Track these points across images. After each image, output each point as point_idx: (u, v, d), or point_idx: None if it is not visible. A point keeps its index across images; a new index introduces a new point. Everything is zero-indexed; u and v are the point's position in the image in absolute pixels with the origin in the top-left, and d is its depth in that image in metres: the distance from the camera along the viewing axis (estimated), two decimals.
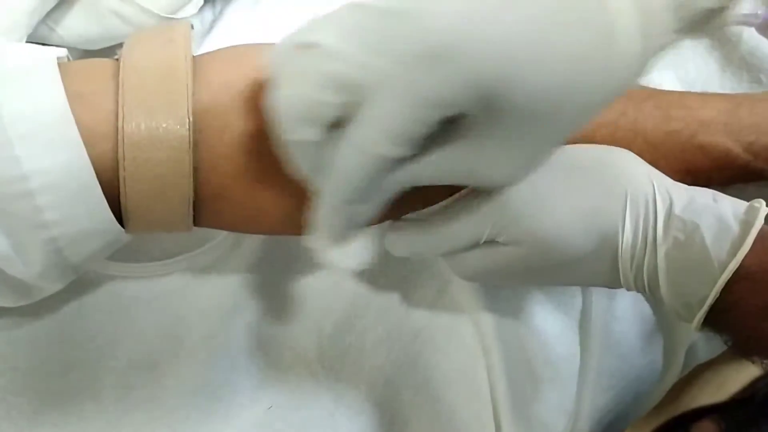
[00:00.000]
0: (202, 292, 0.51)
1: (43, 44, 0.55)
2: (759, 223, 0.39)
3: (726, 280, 0.39)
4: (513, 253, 0.41)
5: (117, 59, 0.41)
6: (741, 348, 0.42)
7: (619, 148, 0.43)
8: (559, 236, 0.41)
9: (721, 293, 0.39)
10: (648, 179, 0.41)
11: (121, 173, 0.38)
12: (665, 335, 0.54)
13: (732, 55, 0.57)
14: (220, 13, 0.63)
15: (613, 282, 0.42)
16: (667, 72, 0.57)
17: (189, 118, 0.38)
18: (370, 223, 0.40)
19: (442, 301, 0.52)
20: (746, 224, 0.40)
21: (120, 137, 0.38)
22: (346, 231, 0.39)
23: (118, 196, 0.39)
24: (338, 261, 0.40)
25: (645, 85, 0.47)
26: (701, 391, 0.54)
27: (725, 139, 0.45)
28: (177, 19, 0.55)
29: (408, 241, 0.44)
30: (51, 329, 0.49)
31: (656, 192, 0.41)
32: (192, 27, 0.43)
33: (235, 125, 0.40)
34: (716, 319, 0.40)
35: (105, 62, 0.41)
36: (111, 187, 0.38)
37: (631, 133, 0.44)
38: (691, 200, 0.41)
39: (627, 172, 0.41)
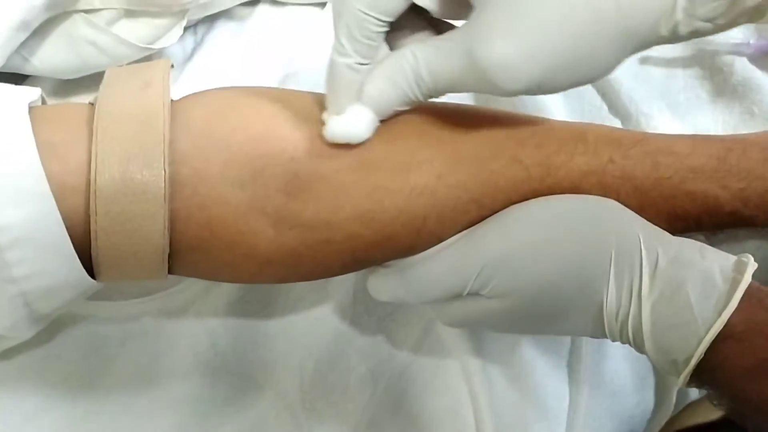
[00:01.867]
0: (179, 331, 0.50)
1: (18, 74, 0.54)
2: (746, 280, 0.38)
3: (711, 340, 0.38)
4: (497, 306, 0.41)
5: (92, 104, 0.39)
6: (727, 409, 0.40)
7: (605, 199, 0.42)
8: (544, 291, 0.40)
9: (706, 352, 0.38)
10: (634, 232, 0.40)
11: (93, 227, 0.37)
12: (656, 374, 0.53)
13: (724, 86, 0.56)
14: (202, 39, 0.62)
15: (598, 334, 0.41)
16: (657, 102, 0.56)
17: (165, 170, 0.37)
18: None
19: (427, 340, 0.51)
20: (733, 281, 0.39)
21: (92, 190, 0.36)
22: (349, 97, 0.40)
23: (90, 249, 0.37)
24: (345, 132, 0.40)
25: (632, 129, 0.47)
26: (695, 411, 0.53)
27: (714, 186, 0.44)
28: (155, 49, 0.54)
29: (389, 287, 0.43)
30: (22, 370, 0.48)
31: (642, 246, 0.40)
32: (172, 66, 0.42)
33: (214, 175, 0.38)
34: (702, 377, 0.39)
35: (79, 108, 0.40)
36: (83, 239, 0.37)
37: (619, 180, 0.43)
38: (677, 254, 0.40)
39: (613, 225, 0.40)
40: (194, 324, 0.50)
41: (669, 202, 0.43)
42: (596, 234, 0.40)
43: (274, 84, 0.59)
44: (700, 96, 0.56)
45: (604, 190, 0.43)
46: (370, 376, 0.51)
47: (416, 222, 0.41)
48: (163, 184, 0.37)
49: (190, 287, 0.50)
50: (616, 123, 0.56)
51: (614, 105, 0.56)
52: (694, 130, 0.55)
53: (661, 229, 0.42)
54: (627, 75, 0.57)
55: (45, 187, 0.36)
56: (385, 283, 0.43)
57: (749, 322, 0.38)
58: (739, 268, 0.39)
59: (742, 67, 0.55)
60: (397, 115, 0.41)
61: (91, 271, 0.38)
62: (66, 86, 0.57)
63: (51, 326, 0.48)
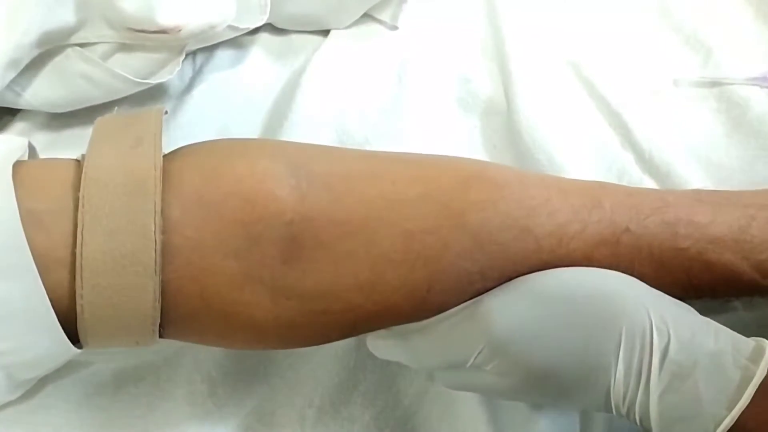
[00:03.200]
0: (175, 379, 0.48)
1: (9, 108, 0.52)
2: (761, 373, 0.36)
3: None
4: (499, 381, 0.39)
5: (79, 161, 0.38)
6: None
7: (616, 274, 0.40)
8: (548, 373, 0.38)
9: None
10: (646, 313, 0.38)
11: (79, 301, 0.35)
12: None
13: (740, 121, 0.54)
14: (200, 69, 0.60)
15: (606, 410, 0.39)
16: (671, 137, 0.54)
17: (156, 240, 0.35)
18: None
19: (434, 386, 0.49)
20: (747, 372, 0.37)
21: (78, 264, 0.35)
22: None
23: (76, 320, 0.36)
24: None
25: (651, 189, 0.44)
26: None
27: (734, 257, 0.42)
28: (151, 83, 0.52)
29: (389, 350, 0.42)
30: (12, 423, 0.46)
31: (654, 329, 0.38)
32: (166, 112, 0.40)
33: (208, 244, 0.37)
34: None
35: (65, 168, 0.38)
36: (69, 311, 0.36)
37: (634, 250, 0.41)
38: (690, 339, 0.38)
39: (623, 306, 0.38)
40: (191, 371, 0.48)
41: (685, 273, 0.42)
42: (604, 315, 0.38)
43: (276, 116, 0.57)
44: (716, 130, 0.54)
45: (617, 260, 0.41)
46: (374, 425, 0.49)
47: (419, 293, 0.39)
48: (153, 255, 0.35)
49: None
50: (629, 156, 0.54)
51: (629, 138, 0.55)
52: (708, 164, 0.53)
53: (676, 302, 0.40)
54: (638, 108, 0.55)
55: (28, 261, 0.34)
56: (384, 345, 0.42)
57: (761, 419, 0.36)
58: (755, 356, 0.37)
59: (759, 102, 0.54)
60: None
61: (76, 337, 0.37)
62: (59, 119, 0.55)
63: (43, 377, 0.46)
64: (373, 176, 0.40)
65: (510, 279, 0.40)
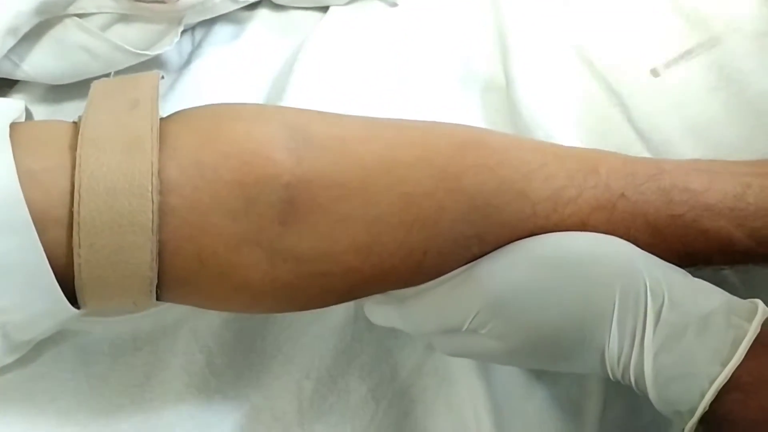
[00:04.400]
0: (173, 349, 0.48)
1: (7, 80, 0.52)
2: (754, 329, 0.37)
3: (714, 394, 0.36)
4: (495, 345, 0.39)
5: (76, 123, 0.37)
6: None
7: (611, 238, 0.40)
8: (543, 336, 0.39)
9: (711, 404, 0.36)
10: (641, 276, 0.38)
11: (77, 260, 0.35)
12: None
13: (739, 98, 0.54)
14: (199, 44, 0.60)
15: (602, 373, 0.40)
16: (671, 114, 0.54)
17: (153, 200, 0.35)
18: None
19: (431, 359, 0.49)
20: (740, 330, 0.37)
21: (75, 222, 0.35)
22: None
23: (73, 279, 0.36)
24: None
25: (648, 157, 0.44)
26: None
27: (729, 224, 0.42)
28: (150, 55, 0.52)
29: (386, 315, 0.42)
30: (7, 392, 0.46)
31: (648, 291, 0.38)
32: (162, 77, 0.40)
33: (205, 205, 0.36)
34: (709, 427, 0.37)
35: (62, 129, 0.37)
36: (66, 270, 0.35)
37: (629, 216, 0.41)
38: (684, 300, 0.38)
39: (618, 268, 0.39)
40: (189, 342, 0.48)
41: (680, 240, 0.42)
42: (599, 278, 0.38)
43: (275, 91, 0.57)
44: (715, 108, 0.54)
45: (612, 226, 0.41)
46: (371, 397, 0.49)
47: (416, 256, 0.39)
48: (151, 215, 0.35)
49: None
50: (629, 134, 0.54)
51: (628, 116, 0.55)
52: (707, 141, 0.53)
53: (671, 266, 0.40)
54: (638, 86, 0.55)
55: (26, 218, 0.34)
56: (381, 311, 0.42)
57: (756, 374, 0.36)
58: (749, 315, 0.37)
59: (758, 79, 0.54)
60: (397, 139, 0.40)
61: (73, 298, 0.36)
62: (57, 92, 0.55)
63: (39, 343, 0.46)
64: (370, 139, 0.39)
65: (506, 242, 0.40)
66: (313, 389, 0.49)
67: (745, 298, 0.49)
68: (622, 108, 0.55)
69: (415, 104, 0.58)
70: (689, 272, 0.41)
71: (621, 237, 0.41)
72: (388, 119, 0.42)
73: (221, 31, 0.61)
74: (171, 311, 0.48)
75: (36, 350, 0.46)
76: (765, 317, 0.37)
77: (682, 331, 0.37)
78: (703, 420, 0.37)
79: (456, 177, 0.39)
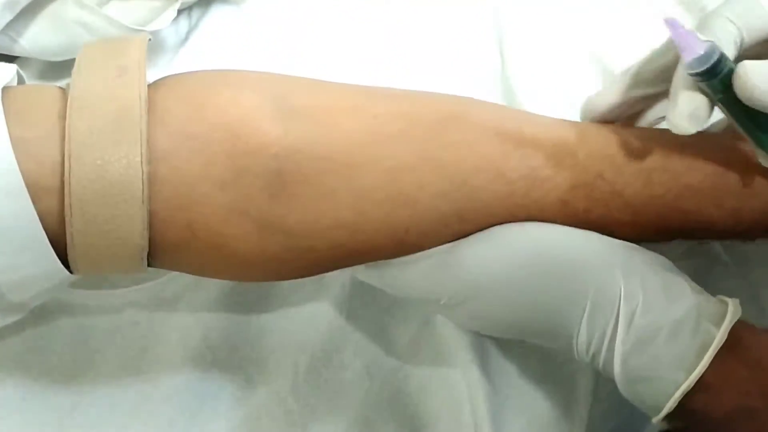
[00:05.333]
0: (170, 323, 0.48)
1: (5, 56, 0.52)
2: (719, 338, 0.38)
3: (679, 398, 0.37)
4: (471, 321, 0.42)
5: (64, 89, 0.38)
6: None
7: (591, 237, 0.41)
8: (513, 323, 0.41)
9: (679, 403, 0.37)
10: (616, 280, 0.39)
11: (69, 229, 0.35)
12: None
13: None
14: (197, 23, 0.60)
15: (569, 354, 0.42)
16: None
17: (143, 170, 0.35)
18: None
19: (425, 336, 0.50)
20: (707, 336, 0.38)
21: (67, 192, 0.35)
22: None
23: (66, 246, 0.36)
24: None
25: (633, 132, 0.45)
26: None
27: (709, 204, 0.42)
28: (147, 31, 0.52)
29: (369, 278, 0.43)
30: (5, 361, 0.46)
31: (623, 294, 0.39)
32: (150, 38, 0.40)
33: (195, 175, 0.37)
34: (677, 422, 0.39)
35: (52, 94, 0.38)
36: (59, 238, 0.36)
37: (609, 194, 0.41)
38: (657, 305, 0.38)
39: (595, 270, 0.39)
40: (186, 316, 0.48)
41: (660, 218, 0.42)
42: (571, 283, 0.39)
43: (272, 69, 0.57)
44: None
45: (592, 203, 0.41)
46: (366, 372, 0.49)
47: (398, 233, 0.40)
48: (141, 185, 0.35)
49: (182, 277, 0.48)
50: None
51: None
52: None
53: (649, 260, 0.40)
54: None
55: (20, 185, 0.34)
56: (366, 275, 0.43)
57: (721, 377, 0.37)
58: (718, 319, 0.38)
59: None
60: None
61: (67, 262, 0.37)
62: (55, 68, 0.55)
63: (36, 316, 0.47)
64: (355, 109, 0.40)
65: (486, 222, 0.41)
66: (308, 364, 0.49)
67: (737, 277, 0.50)
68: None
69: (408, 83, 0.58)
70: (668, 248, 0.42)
71: (602, 215, 0.41)
72: (374, 87, 0.42)
73: (219, 9, 0.61)
74: (168, 285, 0.49)
75: (33, 323, 0.47)
76: (734, 320, 0.38)
77: (653, 336, 0.38)
78: (670, 415, 0.38)
79: (436, 153, 0.40)
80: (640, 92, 0.43)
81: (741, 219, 0.42)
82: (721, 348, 0.37)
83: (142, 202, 0.36)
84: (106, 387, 0.47)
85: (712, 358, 0.37)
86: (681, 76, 0.39)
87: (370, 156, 0.39)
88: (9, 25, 0.50)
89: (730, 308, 0.39)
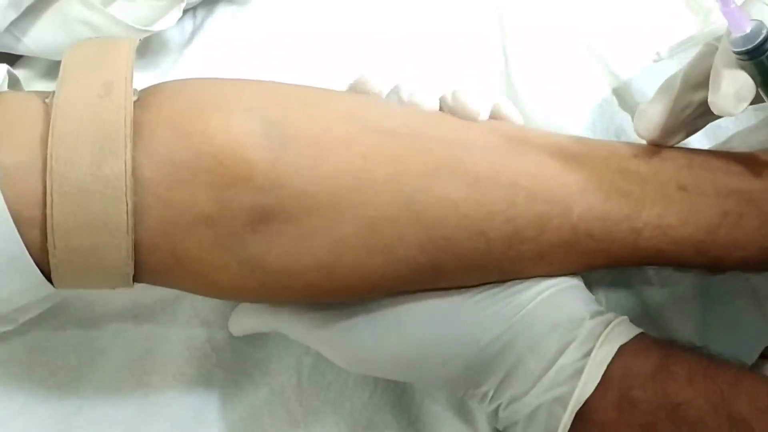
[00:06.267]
0: (173, 324, 0.48)
1: (9, 55, 0.52)
2: (565, 424, 0.39)
3: None
4: None
5: (48, 102, 0.37)
6: None
7: (476, 314, 0.41)
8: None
9: None
10: (483, 379, 0.41)
11: (52, 260, 0.35)
12: None
13: None
14: (201, 23, 0.60)
15: None
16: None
17: (127, 203, 0.35)
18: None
19: None
20: (555, 422, 0.39)
21: (49, 224, 0.35)
22: None
23: (49, 270, 0.36)
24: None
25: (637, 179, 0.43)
26: None
27: (691, 253, 0.42)
28: (152, 31, 0.52)
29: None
30: (8, 364, 0.46)
31: (491, 394, 0.41)
32: (138, 41, 0.40)
33: (180, 205, 0.36)
34: None
35: (34, 113, 0.37)
36: (42, 263, 0.36)
37: (592, 251, 0.41)
38: (517, 398, 0.40)
39: (461, 376, 0.41)
40: (190, 317, 0.48)
41: (636, 263, 0.42)
42: (444, 376, 0.42)
43: (276, 70, 0.57)
44: None
45: (571, 258, 0.41)
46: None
47: (374, 278, 0.39)
48: (125, 217, 0.35)
49: None
50: (627, 116, 0.54)
51: (627, 100, 0.55)
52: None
53: (555, 317, 0.41)
54: (637, 70, 0.55)
55: (3, 210, 0.34)
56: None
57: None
58: (565, 401, 0.39)
59: None
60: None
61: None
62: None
63: (39, 317, 0.45)
64: (347, 145, 0.39)
65: (459, 272, 0.41)
66: (312, 365, 0.49)
67: (738, 280, 0.50)
68: (621, 91, 0.55)
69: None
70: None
71: (577, 267, 0.42)
72: (372, 114, 0.41)
73: (223, 10, 0.60)
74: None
75: (37, 323, 0.47)
76: (582, 401, 0.39)
77: (513, 426, 0.41)
78: None
79: (420, 208, 0.39)
80: (689, 96, 0.42)
81: (720, 266, 0.42)
82: (571, 426, 0.39)
83: (127, 232, 0.35)
84: (110, 389, 0.47)
85: None
86: (724, 55, 0.38)
87: (354, 201, 0.38)
88: (13, 23, 0.50)
89: (577, 390, 0.39)
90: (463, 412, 0.48)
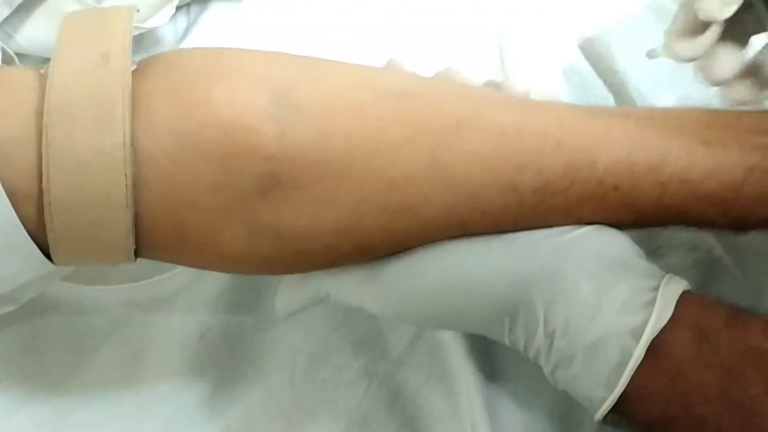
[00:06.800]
0: (167, 322, 0.48)
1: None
2: (639, 353, 0.36)
3: (603, 414, 0.37)
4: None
5: (43, 74, 0.36)
6: None
7: (517, 246, 0.39)
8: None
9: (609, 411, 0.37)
10: (533, 309, 0.37)
11: (50, 236, 0.34)
12: None
13: None
14: (195, 20, 0.60)
15: None
16: (666, 94, 0.54)
17: (126, 174, 0.34)
18: None
19: (423, 337, 0.49)
20: (626, 354, 0.36)
21: (46, 201, 0.33)
22: None
23: (47, 246, 0.35)
24: None
25: (659, 131, 0.41)
26: None
27: (716, 213, 0.40)
28: (145, 28, 0.52)
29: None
30: (1, 362, 0.46)
31: (542, 320, 0.37)
32: (137, 10, 0.38)
33: (184, 178, 0.35)
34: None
35: (28, 83, 0.35)
36: (39, 239, 0.35)
37: (619, 206, 0.40)
38: (576, 327, 0.37)
39: (511, 303, 0.38)
40: (183, 315, 0.48)
41: (662, 222, 0.41)
42: (487, 306, 0.38)
43: None
44: (711, 88, 0.54)
45: (599, 213, 0.40)
46: (364, 372, 0.49)
47: (398, 239, 0.38)
48: (125, 190, 0.34)
49: (180, 275, 0.48)
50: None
51: (621, 97, 0.54)
52: None
53: (592, 255, 0.38)
54: (634, 65, 0.55)
55: None
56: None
57: (642, 389, 0.36)
58: (638, 332, 0.36)
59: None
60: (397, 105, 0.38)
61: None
62: None
63: (30, 314, 0.46)
64: (360, 110, 0.37)
65: (490, 231, 0.39)
66: (306, 364, 0.49)
67: (739, 280, 0.50)
68: (618, 87, 0.55)
69: None
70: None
71: (602, 218, 0.40)
72: (384, 76, 0.40)
73: (217, 6, 0.60)
74: (164, 284, 0.48)
75: (29, 322, 0.47)
76: (657, 331, 0.36)
77: (572, 357, 0.37)
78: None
79: (444, 166, 0.38)
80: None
81: (744, 225, 0.41)
82: (644, 360, 0.36)
83: (126, 206, 0.34)
84: (102, 388, 0.47)
85: (631, 374, 0.36)
86: None
87: (371, 165, 0.37)
88: (5, 20, 0.50)
89: (650, 322, 0.36)
90: (458, 412, 0.48)
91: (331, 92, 0.38)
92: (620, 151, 0.40)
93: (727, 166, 0.40)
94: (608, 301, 0.37)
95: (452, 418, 0.47)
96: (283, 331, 0.49)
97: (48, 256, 0.35)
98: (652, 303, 0.37)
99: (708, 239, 0.50)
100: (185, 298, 0.48)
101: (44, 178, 0.33)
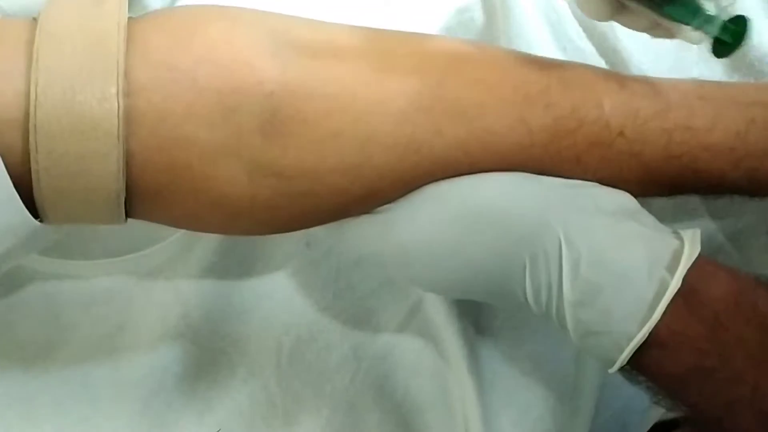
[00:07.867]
0: (148, 298, 0.46)
1: None
2: (673, 288, 0.35)
3: (632, 352, 0.35)
4: (415, 284, 0.40)
5: (35, 19, 0.35)
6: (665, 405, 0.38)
7: (532, 185, 0.37)
8: (456, 289, 0.38)
9: (632, 357, 0.35)
10: (554, 231, 0.36)
11: (34, 167, 0.33)
12: None
13: (740, 61, 0.53)
14: None
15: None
16: (667, 75, 0.53)
17: (119, 103, 0.33)
18: None
19: (414, 321, 0.48)
20: (662, 285, 0.35)
21: (32, 124, 0.32)
22: None
23: (32, 190, 0.33)
24: None
25: (657, 83, 0.42)
26: None
27: (725, 165, 0.40)
28: None
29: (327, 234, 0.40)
30: None
31: (564, 246, 0.35)
32: None
33: (178, 113, 0.34)
34: (632, 374, 0.36)
35: (18, 25, 0.35)
36: (24, 179, 0.33)
37: (625, 155, 0.39)
38: (602, 255, 0.35)
39: (528, 224, 0.36)
40: (165, 291, 0.46)
41: (671, 178, 0.40)
42: (507, 236, 0.36)
43: None
44: (715, 70, 0.53)
45: (606, 163, 0.39)
46: (352, 355, 0.48)
47: (407, 179, 0.37)
48: (116, 121, 0.33)
49: (163, 250, 0.46)
50: None
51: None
52: None
53: (602, 198, 0.38)
54: (636, 44, 0.54)
55: None
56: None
57: (677, 334, 0.34)
58: (673, 264, 0.35)
59: (760, 43, 0.52)
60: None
61: (36, 214, 0.34)
62: None
63: (5, 289, 0.45)
64: (362, 46, 0.37)
65: (499, 170, 0.38)
66: (292, 346, 0.47)
67: (740, 266, 0.49)
68: (621, 66, 0.54)
69: None
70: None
71: (612, 176, 0.39)
72: (381, 29, 0.40)
73: None
74: (148, 259, 0.47)
75: (4, 298, 0.45)
76: (690, 265, 0.35)
77: (600, 287, 0.35)
78: (625, 367, 0.36)
79: (454, 95, 0.37)
80: None
81: (756, 179, 0.40)
82: (677, 302, 0.35)
83: (118, 139, 0.33)
84: (78, 366, 0.45)
85: (664, 309, 0.34)
86: None
87: (378, 96, 0.36)
88: None
89: (685, 251, 0.35)
90: (448, 397, 0.47)
91: (328, 35, 0.37)
92: (623, 96, 0.40)
93: (727, 116, 0.40)
94: (635, 234, 0.36)
95: (442, 404, 0.47)
96: (269, 312, 0.48)
97: (33, 214, 0.34)
98: (679, 239, 0.36)
99: (710, 226, 0.49)
100: (167, 275, 0.47)
101: (31, 100, 0.32)
